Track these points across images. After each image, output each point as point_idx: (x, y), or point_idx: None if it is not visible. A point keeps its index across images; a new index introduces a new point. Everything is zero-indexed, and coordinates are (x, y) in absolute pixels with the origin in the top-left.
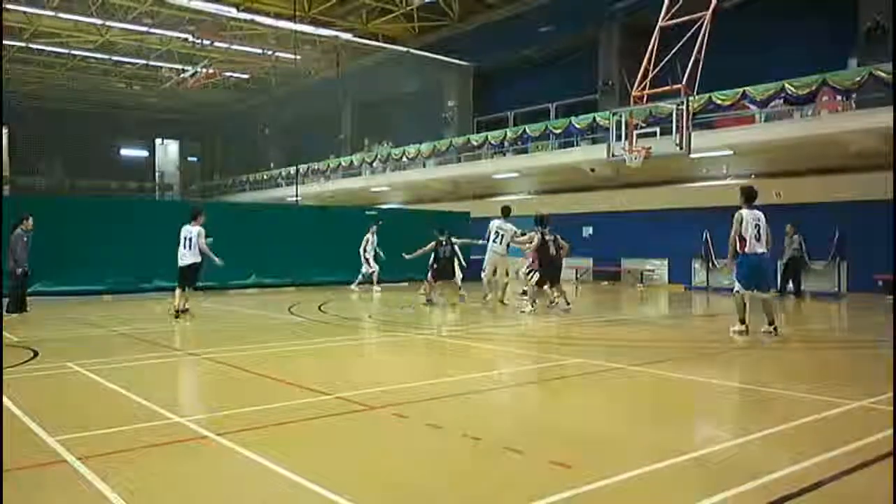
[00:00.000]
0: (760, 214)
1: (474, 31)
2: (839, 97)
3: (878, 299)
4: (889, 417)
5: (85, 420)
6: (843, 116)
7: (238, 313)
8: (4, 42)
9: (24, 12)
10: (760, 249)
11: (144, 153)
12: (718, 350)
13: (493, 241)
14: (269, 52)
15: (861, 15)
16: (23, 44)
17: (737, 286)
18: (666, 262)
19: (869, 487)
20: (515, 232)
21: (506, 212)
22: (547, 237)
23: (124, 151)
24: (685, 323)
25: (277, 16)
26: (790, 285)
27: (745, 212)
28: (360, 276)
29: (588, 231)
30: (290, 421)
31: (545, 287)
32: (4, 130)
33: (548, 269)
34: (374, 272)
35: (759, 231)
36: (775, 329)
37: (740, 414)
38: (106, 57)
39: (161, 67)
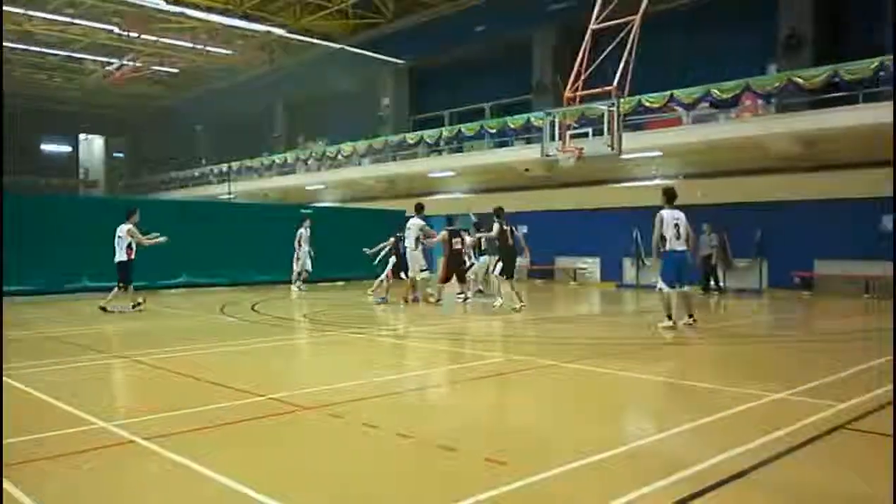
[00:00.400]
0: (681, 214)
1: (410, 29)
2: (760, 101)
3: (795, 295)
4: (804, 407)
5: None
6: (764, 120)
7: (168, 314)
8: None
9: None
10: (680, 247)
11: (68, 148)
12: (647, 346)
13: (406, 237)
14: (200, 47)
15: (780, 24)
16: None
17: (660, 284)
18: (598, 261)
19: (789, 475)
20: (423, 228)
21: (419, 209)
22: (505, 228)
23: (45, 146)
24: (616, 320)
25: (209, 9)
26: (711, 282)
27: (664, 212)
28: (298, 274)
29: (523, 230)
30: (221, 423)
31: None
32: None
33: (508, 263)
34: (302, 270)
35: (678, 230)
36: (695, 321)
37: (668, 407)
38: (26, 48)
39: (84, 60)
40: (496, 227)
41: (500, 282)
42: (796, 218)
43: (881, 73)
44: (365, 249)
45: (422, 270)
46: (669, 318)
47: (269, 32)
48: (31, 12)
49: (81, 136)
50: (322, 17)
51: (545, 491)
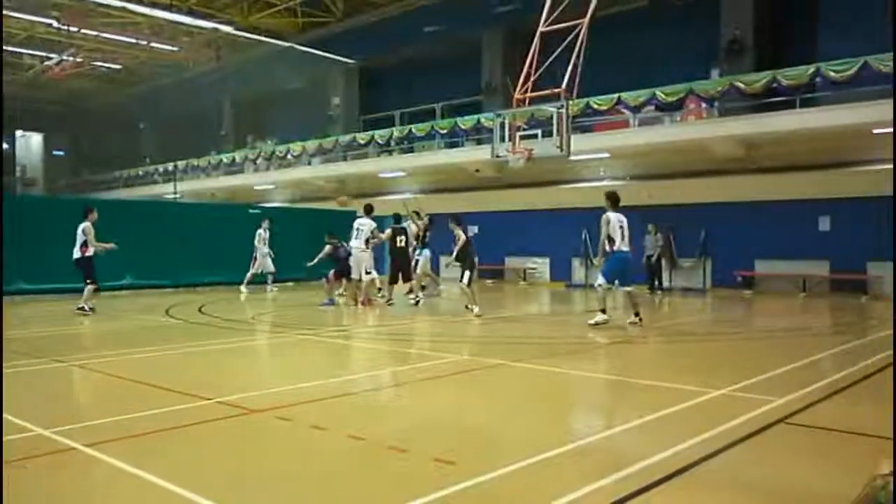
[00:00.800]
0: (624, 217)
1: (359, 28)
2: (704, 105)
3: (737, 294)
4: (745, 403)
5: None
6: (707, 123)
7: (111, 317)
8: None
9: None
10: (626, 248)
11: (3, 146)
12: (594, 345)
13: (355, 238)
14: (144, 43)
15: (722, 30)
16: None
17: (601, 280)
18: (548, 261)
19: (732, 469)
20: (374, 228)
21: (368, 209)
22: (469, 235)
23: None
24: (564, 319)
25: (153, 4)
26: (656, 282)
27: (611, 214)
28: (254, 276)
29: (473, 230)
30: (167, 428)
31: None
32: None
33: (473, 271)
34: (257, 272)
35: (623, 232)
36: (640, 319)
37: (615, 405)
38: None
39: (23, 54)
40: (462, 235)
41: (469, 290)
42: (738, 219)
43: (817, 79)
44: (307, 263)
45: (367, 272)
46: (603, 311)
47: (215, 29)
48: None
49: (18, 133)
50: (270, 15)
51: (493, 490)
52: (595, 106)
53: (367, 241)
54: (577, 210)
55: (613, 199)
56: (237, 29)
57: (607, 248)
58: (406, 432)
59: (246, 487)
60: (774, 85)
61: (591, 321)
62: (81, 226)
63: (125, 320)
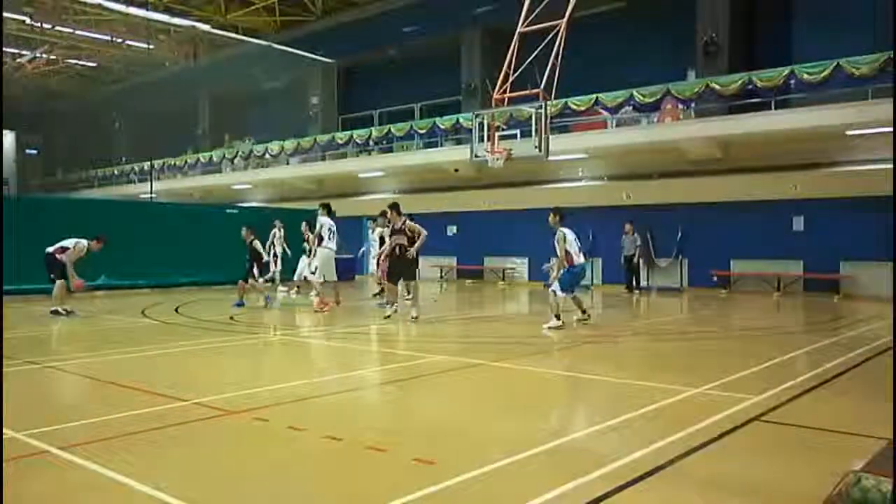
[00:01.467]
0: (572, 230)
1: (338, 27)
2: (680, 106)
3: (713, 293)
4: (721, 401)
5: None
6: (683, 124)
7: (86, 317)
8: None
9: None
10: (582, 260)
11: (3, 146)
12: (573, 344)
13: (329, 238)
14: (119, 40)
15: (698, 31)
16: None
17: (559, 292)
18: (526, 261)
19: (708, 467)
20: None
21: (327, 208)
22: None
23: None
24: (542, 320)
25: (128, 1)
26: (634, 281)
27: (565, 230)
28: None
29: (452, 230)
30: (143, 430)
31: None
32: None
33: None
34: (276, 272)
35: (577, 244)
36: (588, 316)
37: (592, 404)
38: None
39: None
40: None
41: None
42: (714, 219)
43: (791, 81)
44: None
45: (313, 272)
46: (558, 317)
47: (192, 27)
48: None
49: None
50: (248, 13)
51: (472, 489)
52: (573, 106)
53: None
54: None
55: (562, 215)
56: (214, 27)
57: (565, 263)
58: (385, 432)
59: (221, 489)
60: (749, 86)
61: (547, 326)
62: (77, 240)
63: (101, 322)
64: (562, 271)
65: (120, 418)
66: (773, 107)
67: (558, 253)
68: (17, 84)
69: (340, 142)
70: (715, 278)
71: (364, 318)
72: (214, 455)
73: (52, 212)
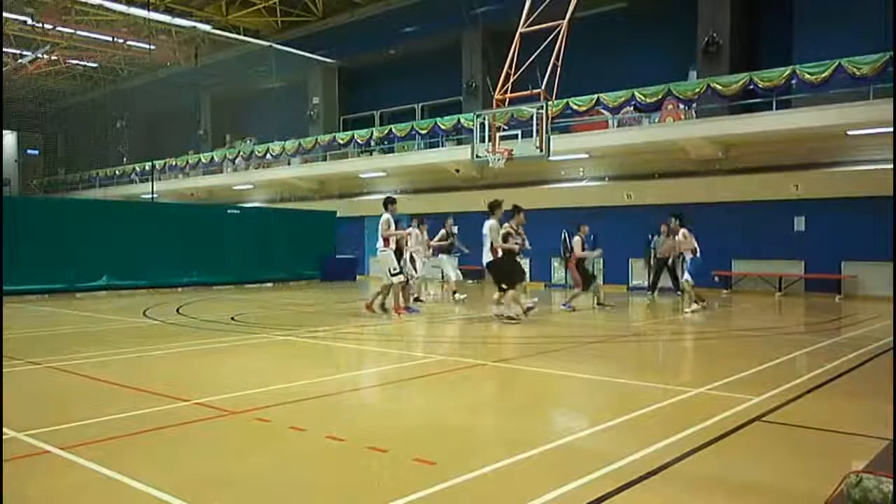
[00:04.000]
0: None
1: (339, 28)
2: (682, 106)
3: (714, 294)
4: (723, 401)
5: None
6: (684, 124)
7: (88, 318)
8: None
9: None
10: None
11: (3, 145)
12: (574, 344)
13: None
14: (121, 41)
15: (699, 31)
16: None
17: (690, 279)
18: (527, 262)
19: (708, 467)
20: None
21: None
22: None
23: None
24: (545, 318)
25: (130, 2)
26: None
27: (683, 229)
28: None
29: (454, 230)
30: (144, 430)
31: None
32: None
33: None
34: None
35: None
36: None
37: (595, 404)
38: None
39: None
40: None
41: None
42: (716, 219)
43: (793, 81)
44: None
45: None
46: (698, 301)
47: (194, 28)
48: None
49: None
50: (249, 14)
51: (473, 490)
52: (574, 106)
53: (385, 240)
54: (557, 210)
55: (681, 218)
56: (216, 28)
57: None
58: (386, 433)
59: (223, 489)
60: (751, 86)
61: (690, 310)
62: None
63: (103, 322)
64: (689, 260)
65: (120, 419)
66: (774, 107)
67: (682, 248)
68: (18, 84)
69: (342, 142)
70: (716, 278)
71: (369, 319)
72: (215, 455)
73: (54, 212)
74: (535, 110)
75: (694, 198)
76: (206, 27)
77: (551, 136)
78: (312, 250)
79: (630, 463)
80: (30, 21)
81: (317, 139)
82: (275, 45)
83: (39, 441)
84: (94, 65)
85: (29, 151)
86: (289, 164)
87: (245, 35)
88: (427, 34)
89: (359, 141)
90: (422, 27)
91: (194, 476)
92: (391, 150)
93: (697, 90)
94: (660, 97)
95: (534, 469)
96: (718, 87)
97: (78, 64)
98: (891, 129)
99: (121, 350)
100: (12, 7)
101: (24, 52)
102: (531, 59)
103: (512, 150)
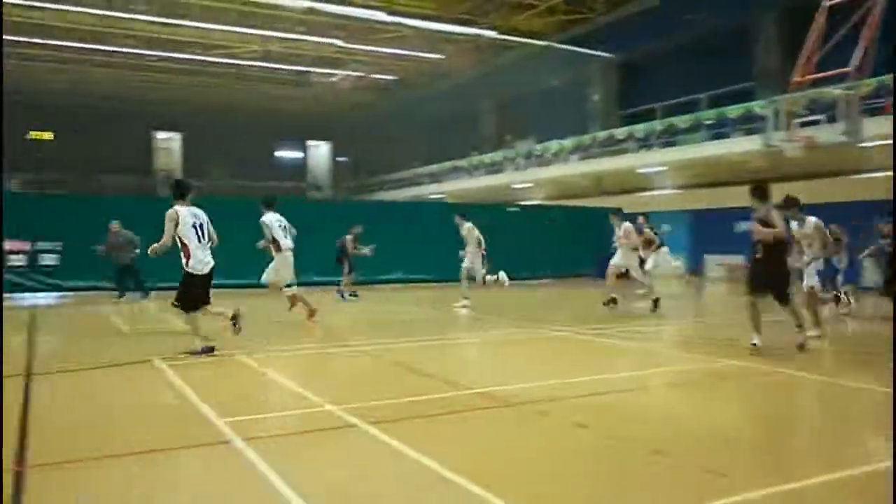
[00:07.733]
0: None
1: (617, 22)
2: None
3: None
4: None
5: (255, 406)
6: None
7: (384, 309)
8: (184, 56)
9: (197, 27)
10: None
11: (299, 154)
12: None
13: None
14: (414, 53)
15: None
16: (199, 56)
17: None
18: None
19: None
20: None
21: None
22: None
23: (278, 153)
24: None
25: (423, 17)
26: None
27: None
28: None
29: (741, 227)
30: (437, 413)
31: None
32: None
33: None
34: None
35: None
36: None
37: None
38: (266, 65)
39: (310, 72)
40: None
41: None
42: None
43: None
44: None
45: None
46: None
47: (478, 35)
48: (269, 33)
49: (310, 143)
50: (531, 16)
51: None
52: (890, 84)
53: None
54: (864, 203)
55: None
56: (500, 33)
57: None
58: (670, 437)
59: (511, 478)
60: None
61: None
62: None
63: (398, 313)
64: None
65: (414, 402)
66: None
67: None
68: (330, 101)
69: (619, 137)
70: None
71: (646, 320)
72: (502, 443)
73: (361, 213)
74: (841, 91)
75: None
76: (490, 33)
77: (863, 119)
78: (588, 246)
79: None
80: (340, 42)
81: (595, 136)
82: (553, 45)
83: (350, 415)
84: (391, 77)
85: (338, 158)
86: (566, 161)
87: (527, 37)
88: (714, 19)
89: (637, 136)
90: (707, 13)
91: (485, 462)
92: (671, 144)
93: None
94: None
95: (853, 490)
96: None
97: (378, 77)
98: None
99: (412, 338)
100: (325, 31)
101: (335, 71)
102: (838, 36)
103: (813, 137)
